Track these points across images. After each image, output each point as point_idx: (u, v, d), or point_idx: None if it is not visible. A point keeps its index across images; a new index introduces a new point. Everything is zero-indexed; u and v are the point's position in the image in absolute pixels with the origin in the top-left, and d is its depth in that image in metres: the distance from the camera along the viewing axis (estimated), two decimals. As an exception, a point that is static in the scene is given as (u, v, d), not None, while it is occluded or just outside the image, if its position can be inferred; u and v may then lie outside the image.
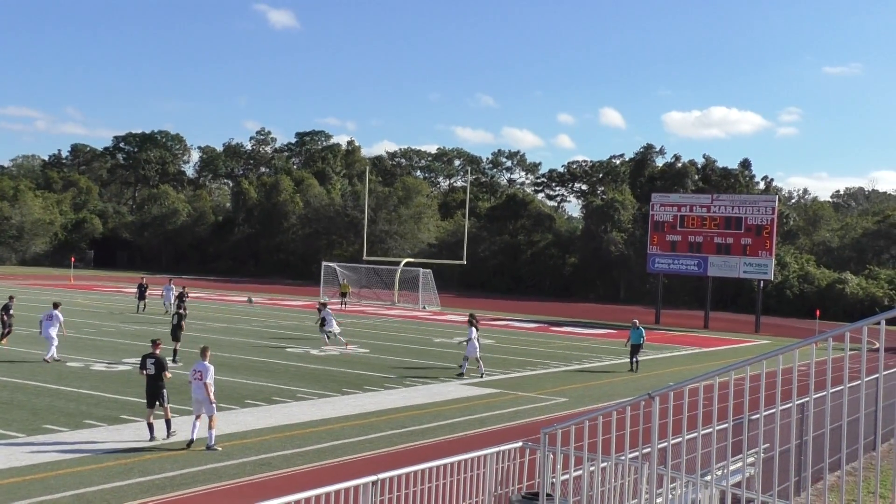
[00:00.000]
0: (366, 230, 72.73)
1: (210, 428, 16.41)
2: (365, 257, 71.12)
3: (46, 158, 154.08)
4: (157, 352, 17.59)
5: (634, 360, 31.76)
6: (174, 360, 26.54)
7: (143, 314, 43.64)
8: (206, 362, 16.97)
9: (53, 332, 26.71)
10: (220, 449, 16.17)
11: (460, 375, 27.52)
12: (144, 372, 17.31)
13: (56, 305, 27.82)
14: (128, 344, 31.22)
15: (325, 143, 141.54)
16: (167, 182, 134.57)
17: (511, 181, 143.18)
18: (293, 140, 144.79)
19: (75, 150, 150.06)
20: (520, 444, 10.54)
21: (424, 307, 60.64)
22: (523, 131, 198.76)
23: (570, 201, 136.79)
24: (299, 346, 33.35)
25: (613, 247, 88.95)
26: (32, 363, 25.59)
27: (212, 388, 16.64)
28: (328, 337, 33.94)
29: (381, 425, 19.23)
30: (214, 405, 16.65)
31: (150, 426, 16.84)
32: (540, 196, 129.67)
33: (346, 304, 59.00)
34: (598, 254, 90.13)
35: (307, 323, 44.09)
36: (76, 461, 14.85)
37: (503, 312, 61.52)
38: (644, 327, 34.00)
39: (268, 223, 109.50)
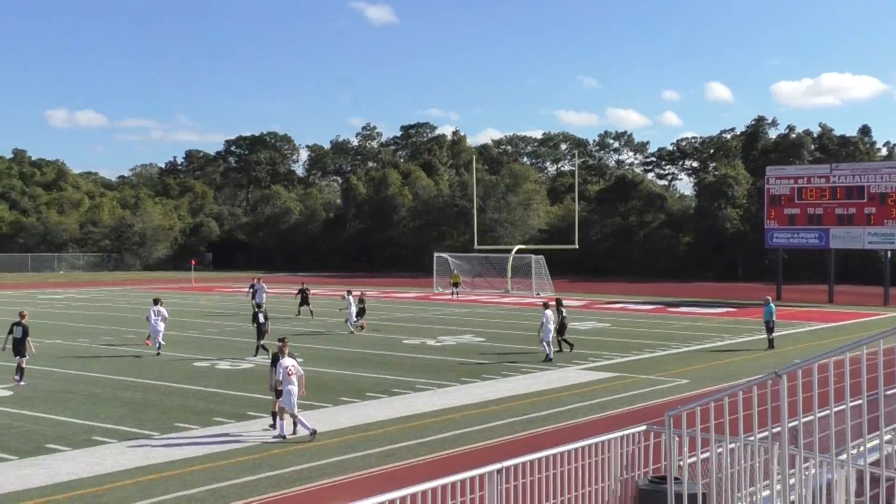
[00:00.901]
0: (475, 219, 72.84)
1: (282, 419, 16.93)
2: (476, 246, 71.24)
3: (163, 166, 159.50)
4: (286, 350, 17.87)
5: (770, 337, 31.17)
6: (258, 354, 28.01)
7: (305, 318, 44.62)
8: (288, 356, 17.38)
9: (161, 325, 28.95)
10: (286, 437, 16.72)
11: (548, 360, 27.37)
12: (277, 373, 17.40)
13: (157, 301, 29.64)
14: (250, 342, 32.09)
15: (430, 135, 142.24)
16: (278, 182, 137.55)
17: (619, 162, 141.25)
18: (398, 133, 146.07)
19: (189, 156, 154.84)
20: (643, 427, 10.41)
21: (538, 294, 60.43)
22: (628, 111, 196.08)
23: (680, 179, 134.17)
24: (415, 338, 33.67)
25: (728, 223, 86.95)
26: (162, 363, 26.55)
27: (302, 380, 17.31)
28: (351, 326, 35.47)
29: (501, 413, 19.27)
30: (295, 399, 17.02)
31: (274, 415, 17.37)
32: (650, 176, 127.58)
33: (457, 294, 59.39)
34: (712, 231, 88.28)
35: (421, 314, 44.50)
36: (209, 457, 15.35)
37: (618, 295, 60.90)
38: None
39: (378, 217, 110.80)
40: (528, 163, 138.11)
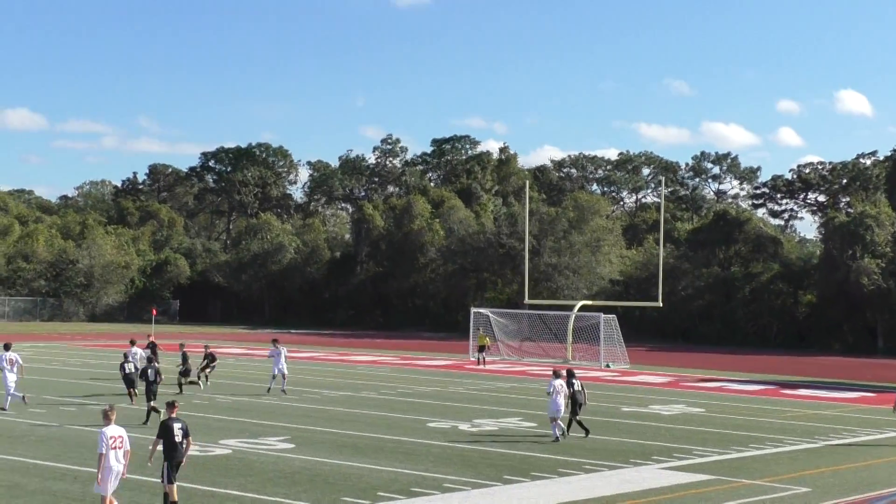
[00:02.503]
0: (527, 264, 72.82)
1: None
2: (526, 300, 71.12)
3: (118, 184, 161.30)
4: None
5: None
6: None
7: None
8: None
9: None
10: None
11: (556, 441, 29.16)
12: None
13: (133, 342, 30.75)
14: (226, 420, 32.12)
15: (469, 152, 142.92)
16: (269, 209, 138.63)
17: (720, 193, 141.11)
18: (428, 149, 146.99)
19: (154, 172, 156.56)
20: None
21: (608, 365, 60.13)
22: (731, 126, 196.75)
23: (801, 218, 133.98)
24: (444, 420, 33.58)
25: (866, 278, 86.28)
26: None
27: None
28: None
29: (556, 525, 19.12)
30: None
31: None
32: (760, 212, 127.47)
33: (483, 361, 59.23)
34: (844, 288, 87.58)
35: (452, 389, 44.42)
36: None
37: (714, 370, 60.44)
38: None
39: (399, 259, 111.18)
40: (599, 191, 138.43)
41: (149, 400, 31.69)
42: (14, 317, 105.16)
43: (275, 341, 41.80)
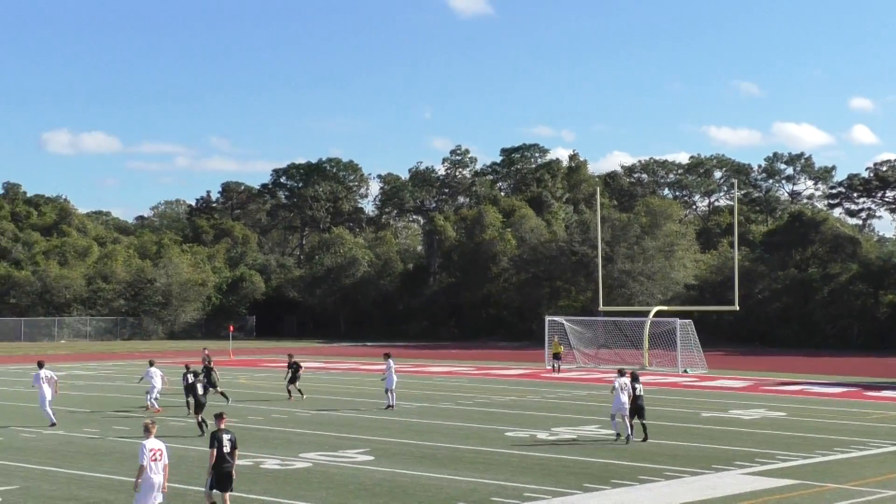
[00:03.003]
0: (600, 271, 72.52)
1: None
2: (601, 307, 70.86)
3: (193, 203, 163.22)
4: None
5: None
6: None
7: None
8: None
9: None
10: None
11: (618, 437, 30.54)
12: None
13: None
14: (306, 434, 32.29)
15: (538, 161, 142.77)
16: (341, 223, 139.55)
17: (794, 194, 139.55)
18: (497, 159, 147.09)
19: (226, 190, 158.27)
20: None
21: (686, 370, 59.67)
22: (802, 125, 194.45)
23: (879, 217, 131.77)
24: (521, 429, 33.48)
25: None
26: (192, 459, 26.88)
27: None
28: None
29: (639, 532, 18.96)
30: None
31: None
32: (836, 212, 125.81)
33: (559, 369, 59.22)
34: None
35: (529, 398, 44.30)
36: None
37: (795, 373, 59.77)
38: None
39: (471, 269, 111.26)
40: (671, 196, 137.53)
41: (196, 412, 32.37)
42: (95, 336, 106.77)
43: (387, 355, 41.44)
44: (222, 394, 40.73)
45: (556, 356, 60.73)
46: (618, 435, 30.60)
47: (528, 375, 57.83)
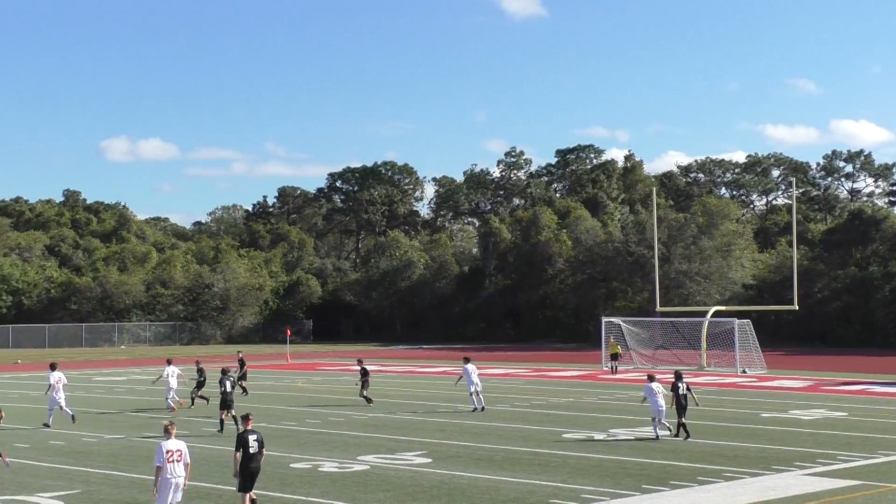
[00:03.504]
0: (657, 272, 72.16)
1: None
2: (658, 308, 70.51)
3: (249, 208, 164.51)
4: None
5: None
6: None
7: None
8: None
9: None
10: None
11: (656, 439, 30.97)
12: None
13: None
14: (363, 437, 32.41)
15: (594, 161, 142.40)
16: (397, 226, 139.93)
17: (854, 192, 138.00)
18: (552, 160, 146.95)
19: (283, 195, 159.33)
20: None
21: (744, 371, 59.23)
22: (861, 122, 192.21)
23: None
24: (579, 431, 33.39)
25: None
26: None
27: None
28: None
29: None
30: None
31: None
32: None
33: (616, 369, 59.07)
34: None
35: (585, 399, 44.18)
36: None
37: (856, 373, 59.16)
38: None
39: (527, 271, 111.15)
40: (728, 195, 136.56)
41: (222, 409, 33.41)
42: (155, 341, 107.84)
43: (466, 359, 41.53)
44: (243, 388, 41.64)
45: (614, 357, 60.60)
46: (657, 437, 31.25)
47: (585, 377, 57.66)
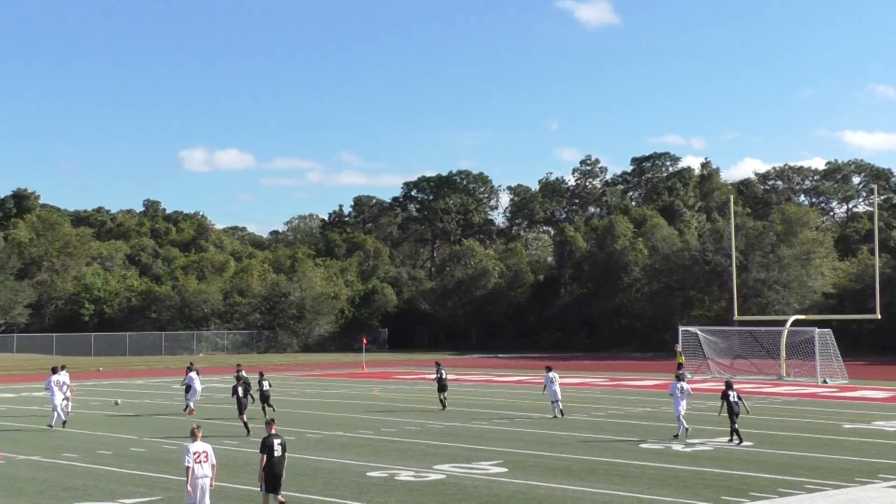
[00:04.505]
0: (734, 280, 71.52)
1: None
2: (736, 317, 69.88)
3: (325, 218, 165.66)
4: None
5: None
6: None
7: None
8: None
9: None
10: None
11: (676, 437, 33.29)
12: None
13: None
14: (438, 445, 32.41)
15: (670, 169, 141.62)
16: (472, 235, 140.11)
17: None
18: (628, 168, 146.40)
19: (358, 204, 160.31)
20: None
21: (825, 381, 58.42)
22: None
23: None
24: (657, 441, 33.12)
25: None
26: (323, 471, 27.14)
27: None
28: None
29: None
30: None
31: None
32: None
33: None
34: None
35: (663, 409, 43.81)
36: None
37: (941, 384, 58.11)
38: None
39: (603, 280, 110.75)
40: (807, 203, 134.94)
41: (240, 414, 35.57)
42: (233, 349, 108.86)
43: (548, 368, 41.85)
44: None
45: (680, 367, 59.94)
46: (677, 434, 33.70)
47: (662, 386, 57.13)
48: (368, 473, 26.87)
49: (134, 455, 30.42)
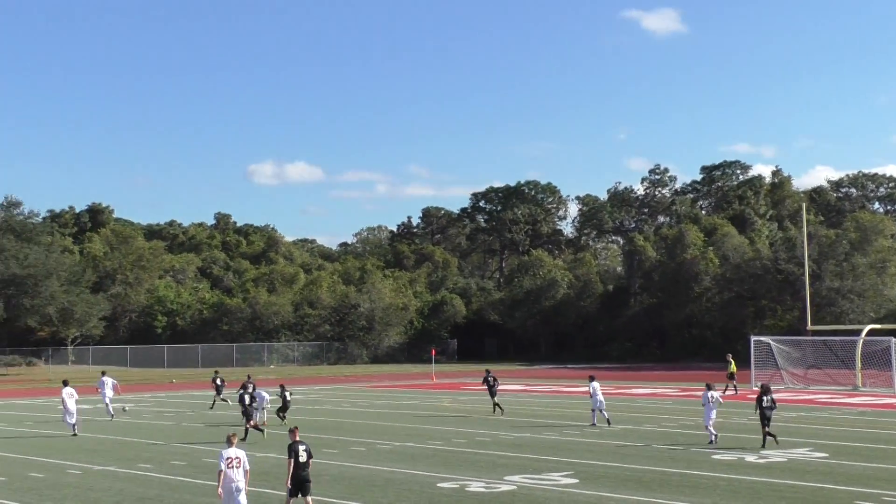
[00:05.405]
0: (807, 289, 70.72)
1: None
2: (809, 327, 69.06)
3: (394, 229, 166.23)
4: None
5: None
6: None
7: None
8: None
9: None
10: None
11: (711, 443, 34.29)
12: None
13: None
14: (508, 456, 32.38)
15: (740, 178, 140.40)
16: (540, 245, 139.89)
17: None
18: (697, 177, 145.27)
19: (426, 215, 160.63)
20: None
21: (901, 392, 57.52)
22: None
23: None
24: (729, 452, 32.81)
25: None
26: (398, 482, 27.23)
27: None
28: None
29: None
30: None
31: None
32: None
33: (735, 389, 57.75)
34: None
35: (735, 419, 43.39)
36: None
37: None
38: None
39: (673, 289, 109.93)
40: (882, 210, 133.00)
41: (246, 420, 37.43)
42: (303, 361, 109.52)
43: (591, 377, 42.30)
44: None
45: (731, 377, 59.31)
46: (711, 441, 34.68)
47: (734, 397, 56.61)
48: (439, 484, 26.91)
49: (208, 466, 30.71)
